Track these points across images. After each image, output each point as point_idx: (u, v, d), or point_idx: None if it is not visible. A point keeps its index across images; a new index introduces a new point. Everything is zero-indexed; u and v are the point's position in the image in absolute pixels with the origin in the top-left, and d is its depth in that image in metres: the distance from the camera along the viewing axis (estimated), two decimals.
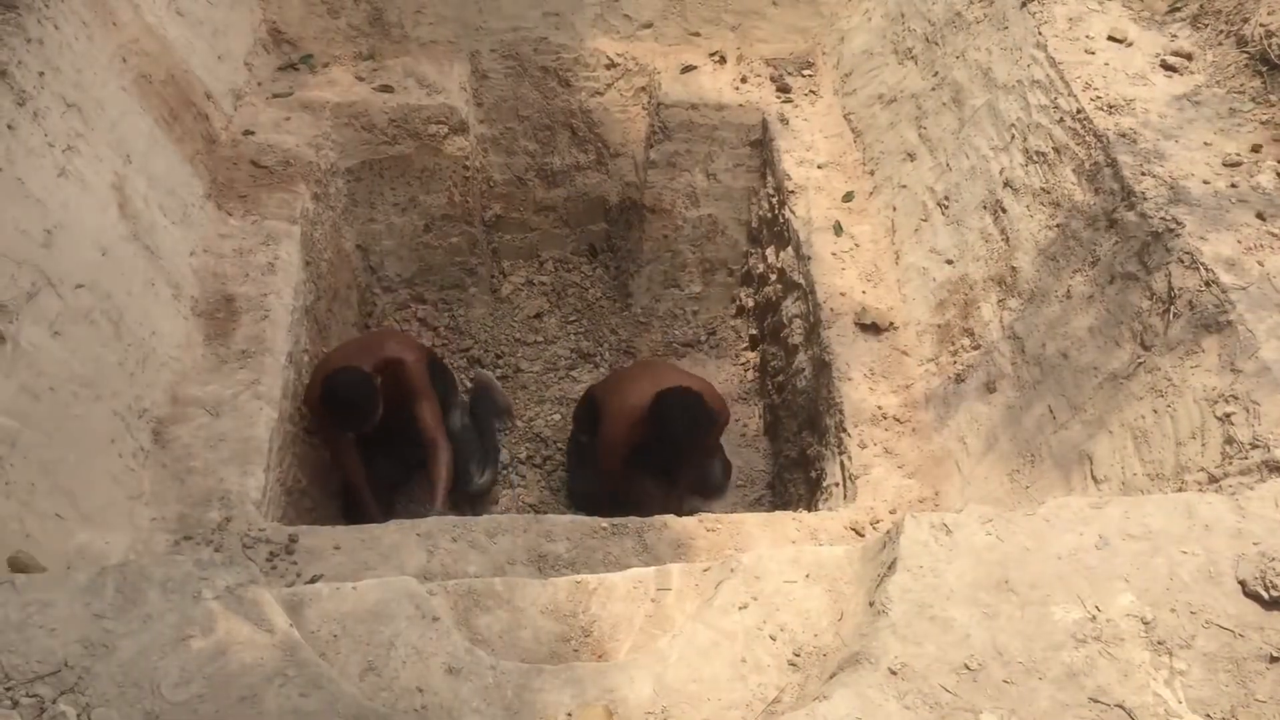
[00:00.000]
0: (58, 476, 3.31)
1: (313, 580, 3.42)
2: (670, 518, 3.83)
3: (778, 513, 4.11)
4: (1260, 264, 3.28)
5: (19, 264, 3.37)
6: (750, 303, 6.19)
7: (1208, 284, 3.26)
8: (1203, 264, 3.30)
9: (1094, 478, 3.44)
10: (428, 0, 5.96)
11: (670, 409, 4.62)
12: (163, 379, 4.01)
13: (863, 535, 3.83)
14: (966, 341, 4.31)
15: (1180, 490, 3.05)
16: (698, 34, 6.26)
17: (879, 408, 4.42)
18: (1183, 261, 3.37)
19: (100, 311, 3.71)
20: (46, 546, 3.15)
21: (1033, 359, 3.92)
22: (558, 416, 5.86)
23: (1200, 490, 2.96)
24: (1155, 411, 3.28)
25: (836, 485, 4.45)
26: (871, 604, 2.42)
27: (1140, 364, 3.42)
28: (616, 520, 3.79)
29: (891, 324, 4.73)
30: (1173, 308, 3.35)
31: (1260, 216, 3.45)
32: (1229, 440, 2.99)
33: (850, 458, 4.29)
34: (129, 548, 3.49)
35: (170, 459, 3.85)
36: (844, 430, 4.38)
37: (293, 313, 4.59)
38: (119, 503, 3.56)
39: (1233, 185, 3.58)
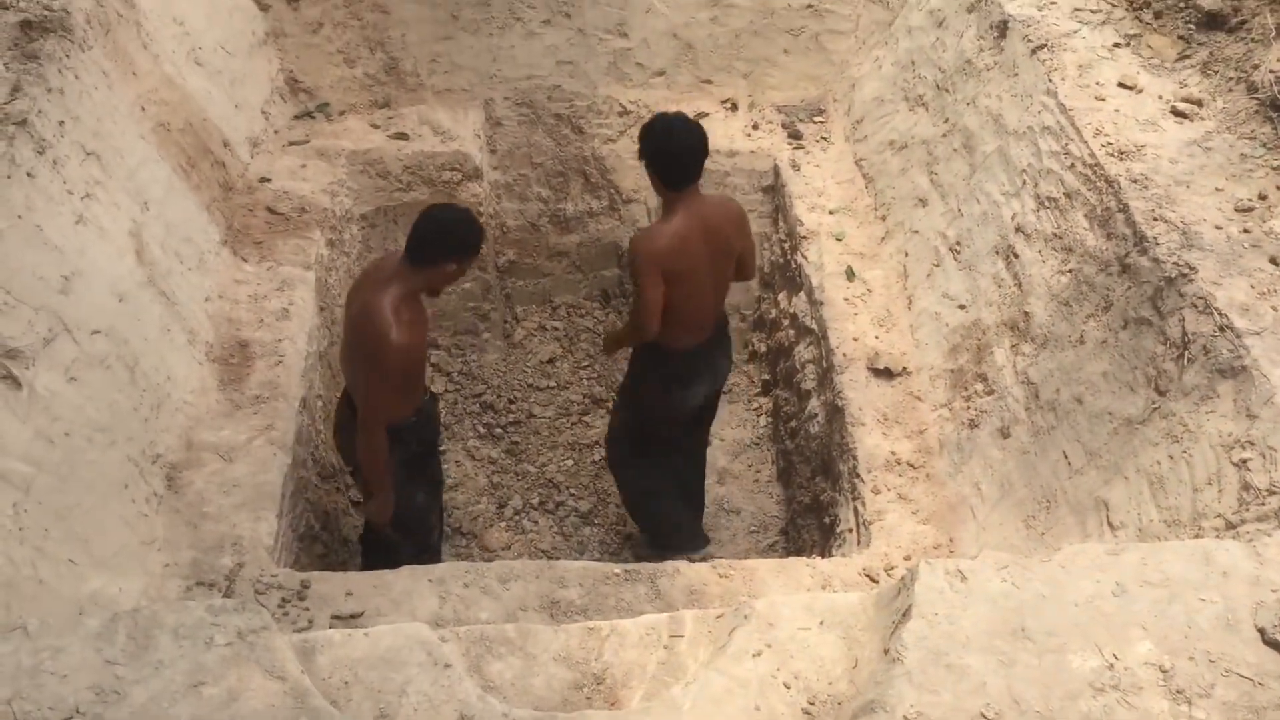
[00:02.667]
0: (71, 522, 3.31)
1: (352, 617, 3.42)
2: (683, 564, 3.81)
3: (791, 559, 4.09)
4: (1274, 309, 3.27)
5: (36, 310, 3.40)
6: (763, 348, 6.19)
7: (1222, 329, 3.25)
8: (1216, 309, 3.30)
9: (1110, 524, 3.42)
10: (443, 49, 6.03)
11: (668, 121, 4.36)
12: (177, 424, 4.03)
13: (877, 582, 3.80)
14: (980, 387, 4.30)
15: (1197, 537, 3.03)
16: (710, 81, 6.31)
17: (893, 453, 4.40)
18: (1196, 306, 3.36)
19: (116, 357, 3.73)
20: (59, 592, 3.15)
21: (1047, 404, 3.91)
22: (570, 462, 5.85)
23: (1217, 537, 2.94)
24: (1171, 457, 3.26)
25: (850, 531, 4.42)
26: (886, 651, 2.40)
27: (1155, 409, 3.41)
28: (629, 566, 3.77)
29: (904, 369, 4.72)
30: (1187, 353, 3.34)
31: (1274, 262, 3.45)
32: (1246, 486, 2.97)
33: (864, 504, 4.27)
34: (141, 594, 3.49)
35: (183, 504, 3.86)
36: (858, 476, 4.37)
37: (306, 358, 4.61)
38: (132, 549, 3.56)
39: (1245, 231, 3.58)
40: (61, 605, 3.13)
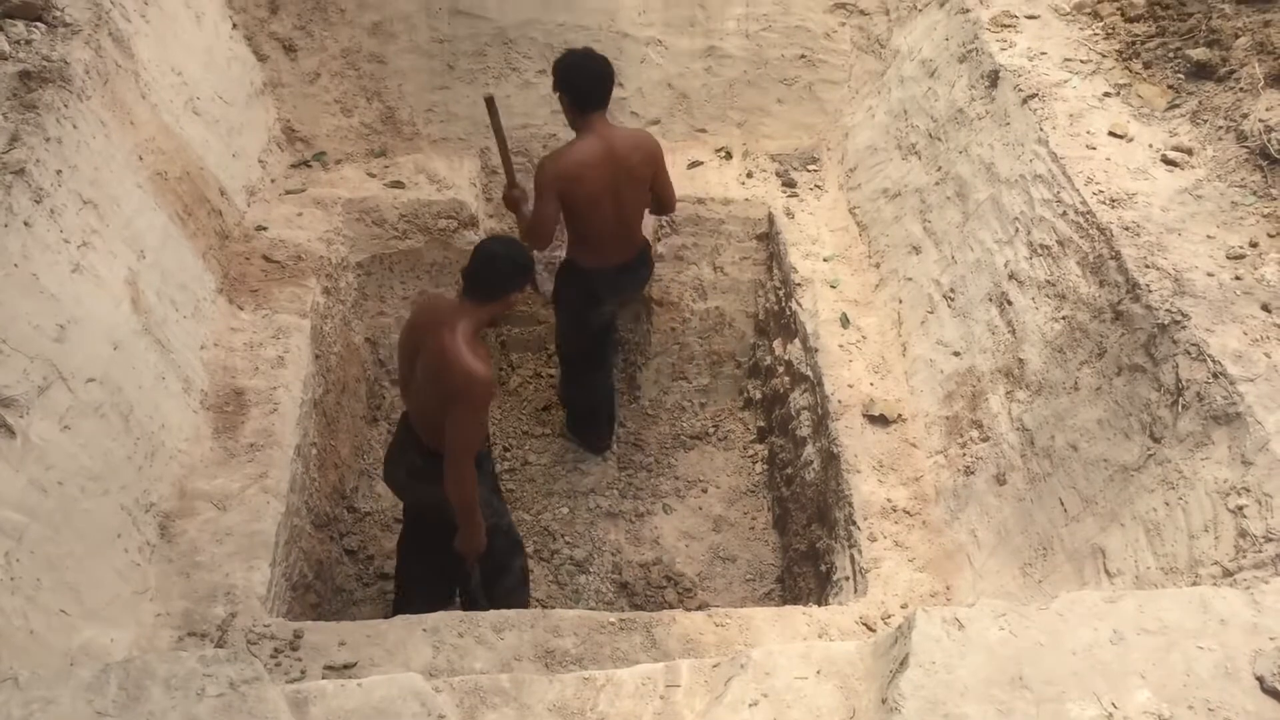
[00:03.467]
0: (63, 572, 3.29)
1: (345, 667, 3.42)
2: (679, 613, 3.79)
3: (787, 607, 4.07)
4: (1267, 356, 3.28)
5: (31, 359, 3.40)
6: (758, 395, 6.20)
7: (1215, 376, 3.26)
8: (1210, 356, 3.31)
9: (1107, 571, 3.41)
10: (439, 99, 6.09)
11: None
12: (170, 473, 4.01)
13: (874, 630, 3.78)
14: (975, 433, 4.30)
15: (1194, 584, 3.02)
16: (704, 130, 6.36)
17: (889, 500, 4.39)
18: (1190, 353, 3.38)
19: (110, 405, 3.72)
20: (50, 643, 3.13)
21: (1042, 451, 3.91)
22: (565, 510, 5.82)
23: (1215, 584, 2.93)
24: (1167, 504, 3.26)
25: (847, 579, 4.40)
26: (884, 701, 2.38)
27: (1151, 456, 3.41)
28: (625, 615, 3.75)
29: (900, 416, 4.72)
30: (1181, 399, 3.35)
31: (1266, 309, 3.46)
32: (1242, 533, 2.97)
33: (860, 551, 4.26)
34: (133, 644, 3.46)
35: (176, 554, 3.84)
36: (854, 523, 4.35)
37: (301, 406, 4.61)
38: (124, 598, 3.54)
39: (1237, 278, 3.60)
40: (53, 656, 3.11)
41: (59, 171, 3.84)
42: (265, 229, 5.33)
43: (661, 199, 5.19)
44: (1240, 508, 3.01)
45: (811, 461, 5.05)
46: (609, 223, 5.02)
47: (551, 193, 4.79)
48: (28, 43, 4.19)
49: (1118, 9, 4.96)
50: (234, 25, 5.68)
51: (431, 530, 4.53)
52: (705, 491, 5.95)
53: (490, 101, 5.01)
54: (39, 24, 4.29)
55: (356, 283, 5.82)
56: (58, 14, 4.35)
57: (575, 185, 4.80)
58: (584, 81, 4.81)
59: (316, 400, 4.93)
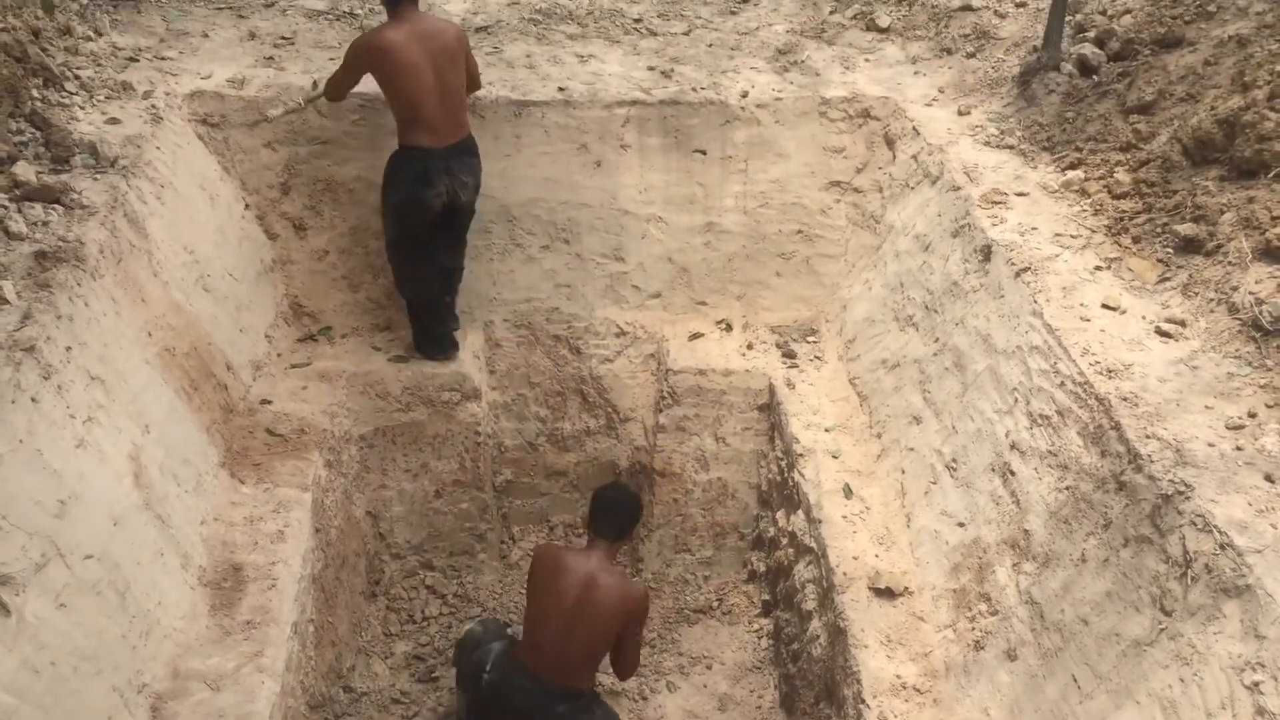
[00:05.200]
0: None
1: None
2: None
3: None
4: (1274, 526, 3.26)
5: (30, 535, 3.38)
6: (762, 567, 6.13)
7: (1223, 547, 3.23)
8: (1216, 527, 3.28)
9: None
10: None
11: None
12: (165, 651, 3.94)
13: None
14: (984, 607, 4.23)
15: None
16: (704, 303, 6.47)
17: (898, 677, 4.29)
18: (1195, 524, 3.35)
19: (107, 582, 3.68)
20: None
21: (1053, 625, 3.84)
22: None
23: None
24: (1182, 680, 3.18)
25: None
26: None
27: (1163, 630, 3.35)
28: None
29: (906, 588, 4.66)
30: (1190, 571, 3.31)
31: (1269, 479, 3.46)
32: (1260, 710, 2.89)
33: None
34: None
35: None
36: (863, 701, 4.24)
37: (300, 581, 4.55)
38: None
39: (1238, 448, 3.60)
40: None
41: (69, 348, 3.90)
42: (270, 402, 5.37)
43: (474, 79, 5.73)
44: (1256, 684, 2.94)
45: (818, 636, 4.95)
46: (433, 98, 5.39)
47: (357, 62, 5.40)
48: (45, 224, 4.32)
49: (1104, 186, 5.11)
50: (246, 206, 5.84)
51: None
52: (710, 668, 5.83)
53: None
54: (57, 206, 4.42)
55: (359, 455, 5.82)
56: (75, 196, 4.49)
57: (387, 56, 5.29)
58: None
59: (315, 575, 4.88)
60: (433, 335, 6.05)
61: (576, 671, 4.65)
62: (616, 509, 4.81)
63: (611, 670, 4.92)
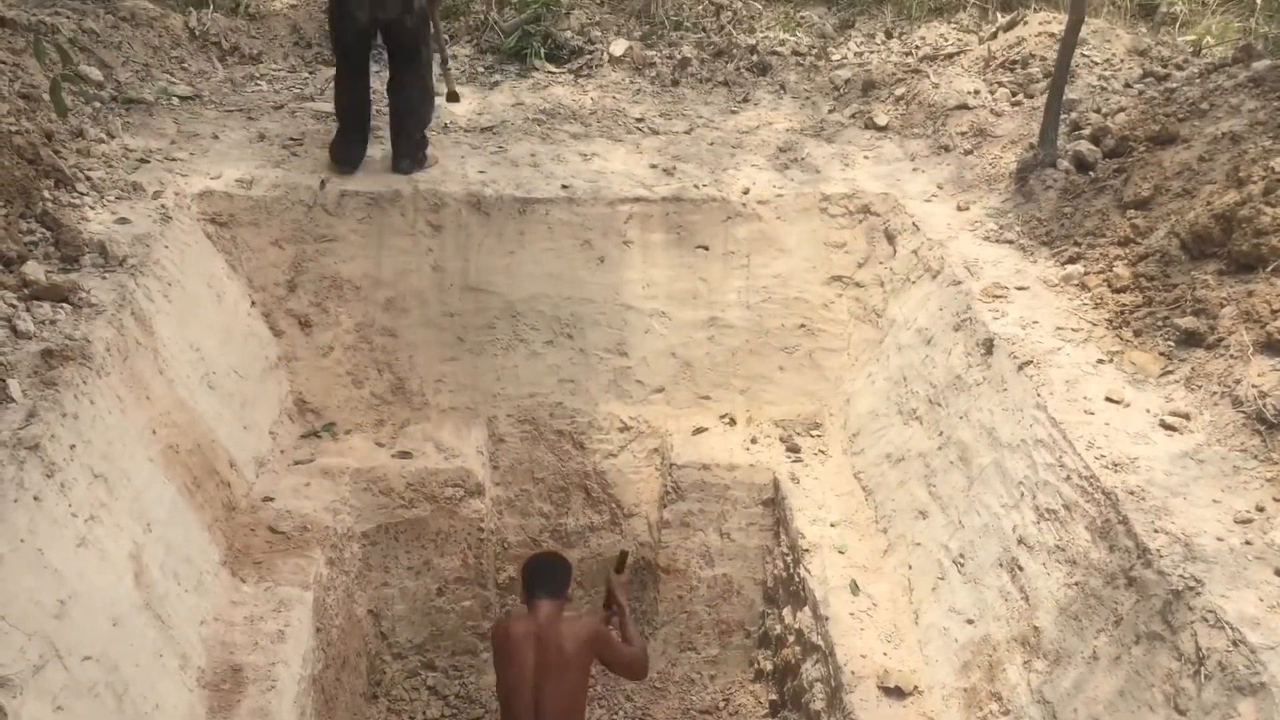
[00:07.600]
0: None
1: None
2: None
3: None
4: None
5: (29, 636, 3.33)
6: (769, 666, 6.04)
7: (1235, 644, 3.19)
8: (1228, 623, 3.24)
9: None
10: (448, 369, 6.23)
11: None
12: None
13: None
14: (995, 706, 4.16)
15: None
16: (708, 397, 6.48)
17: None
18: (1207, 620, 3.31)
19: (105, 684, 3.62)
20: None
21: None
22: None
23: None
24: None
25: None
26: None
27: None
28: None
29: (915, 687, 4.58)
30: (1203, 669, 3.26)
31: (1279, 574, 3.42)
32: None
33: None
34: None
35: None
36: None
37: (300, 683, 4.49)
38: None
39: (1247, 542, 3.57)
40: None
41: (73, 446, 3.89)
42: (272, 499, 5.35)
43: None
44: None
45: None
46: None
47: None
48: (52, 323, 4.34)
49: (1104, 280, 5.14)
50: (252, 303, 5.89)
51: None
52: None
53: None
54: (65, 304, 4.45)
55: (361, 553, 5.78)
56: (83, 295, 4.52)
57: None
58: None
59: (315, 676, 4.80)
60: (337, 146, 6.37)
61: None
62: (552, 571, 5.00)
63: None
